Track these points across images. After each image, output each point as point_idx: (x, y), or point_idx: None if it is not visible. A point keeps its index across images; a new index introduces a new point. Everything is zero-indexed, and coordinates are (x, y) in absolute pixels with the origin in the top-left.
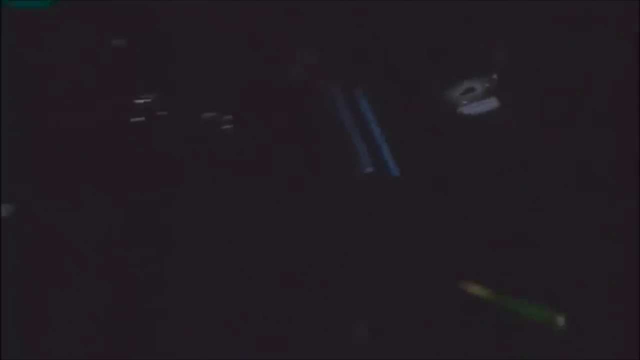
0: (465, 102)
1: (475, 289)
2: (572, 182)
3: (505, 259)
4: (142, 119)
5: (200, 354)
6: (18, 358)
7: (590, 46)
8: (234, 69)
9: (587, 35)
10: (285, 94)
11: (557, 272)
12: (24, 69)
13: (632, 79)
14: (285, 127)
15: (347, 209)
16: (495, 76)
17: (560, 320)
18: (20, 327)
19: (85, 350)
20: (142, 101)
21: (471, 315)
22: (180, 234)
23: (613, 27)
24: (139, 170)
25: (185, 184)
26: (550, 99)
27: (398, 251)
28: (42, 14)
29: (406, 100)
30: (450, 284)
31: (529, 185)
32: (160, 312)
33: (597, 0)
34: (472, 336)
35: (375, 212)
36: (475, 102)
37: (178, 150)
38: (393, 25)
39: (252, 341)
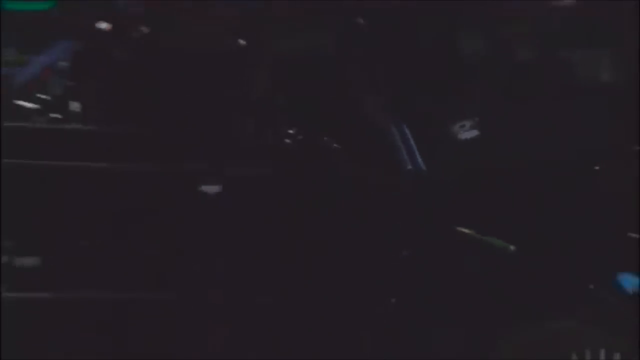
0: (461, 132)
1: (465, 230)
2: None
3: (485, 212)
4: (289, 141)
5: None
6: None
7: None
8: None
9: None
10: (362, 127)
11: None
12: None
13: None
14: (363, 146)
15: (397, 188)
16: (476, 119)
17: (511, 247)
18: None
19: None
20: (291, 131)
21: (463, 244)
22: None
23: None
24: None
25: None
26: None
27: (425, 210)
28: None
29: (430, 131)
30: (451, 228)
31: (497, 172)
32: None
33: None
34: (463, 253)
35: (412, 190)
36: (466, 132)
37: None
38: (425, 91)
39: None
